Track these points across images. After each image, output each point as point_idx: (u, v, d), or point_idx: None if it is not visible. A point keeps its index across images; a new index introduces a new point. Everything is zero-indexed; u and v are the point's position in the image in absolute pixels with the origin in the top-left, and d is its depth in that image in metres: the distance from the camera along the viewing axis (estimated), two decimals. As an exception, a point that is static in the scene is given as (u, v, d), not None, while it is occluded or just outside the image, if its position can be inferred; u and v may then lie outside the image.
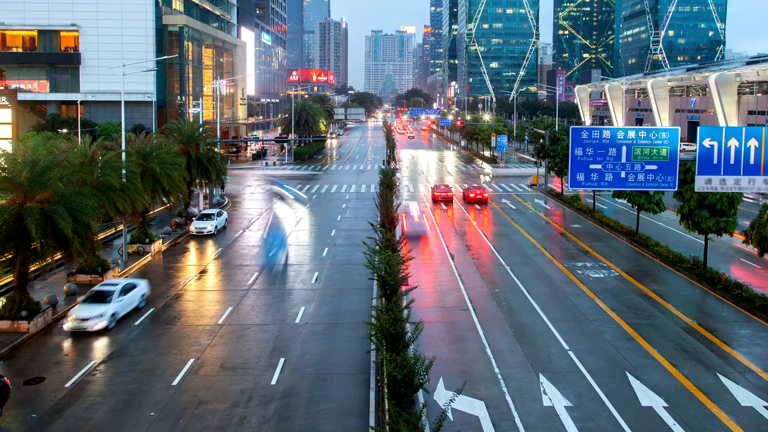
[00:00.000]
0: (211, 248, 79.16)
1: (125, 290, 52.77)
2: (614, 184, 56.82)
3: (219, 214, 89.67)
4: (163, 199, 77.41)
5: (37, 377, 41.72)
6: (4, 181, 48.73)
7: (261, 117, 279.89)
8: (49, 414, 37.01)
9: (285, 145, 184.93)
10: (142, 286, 55.52)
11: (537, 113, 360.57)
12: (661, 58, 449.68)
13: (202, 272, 67.48)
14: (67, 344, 47.76)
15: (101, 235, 71.83)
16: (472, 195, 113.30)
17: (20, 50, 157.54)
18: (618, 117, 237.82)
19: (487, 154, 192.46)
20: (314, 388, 40.58)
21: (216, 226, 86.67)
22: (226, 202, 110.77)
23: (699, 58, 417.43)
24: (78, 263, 57.43)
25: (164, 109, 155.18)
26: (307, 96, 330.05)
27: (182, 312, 54.72)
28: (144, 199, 66.43)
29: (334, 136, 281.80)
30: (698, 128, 55.36)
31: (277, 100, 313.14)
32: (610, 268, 69.39)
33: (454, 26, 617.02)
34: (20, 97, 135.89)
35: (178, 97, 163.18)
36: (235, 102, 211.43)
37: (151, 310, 54.79)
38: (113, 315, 49.98)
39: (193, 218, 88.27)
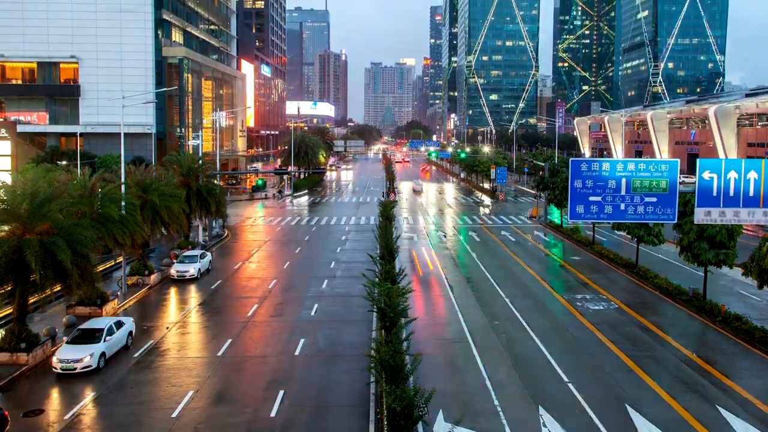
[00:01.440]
0: (209, 280, 79.02)
1: (112, 330, 51.77)
2: (614, 216, 56.84)
3: (203, 256, 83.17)
4: (163, 231, 77.30)
5: (36, 409, 41.66)
6: (4, 213, 48.81)
7: (261, 149, 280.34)
8: (47, 446, 36.93)
9: (285, 177, 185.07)
10: (128, 325, 54.67)
11: (536, 145, 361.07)
12: (660, 90, 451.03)
13: (201, 303, 67.36)
14: (66, 375, 47.64)
15: (100, 267, 71.74)
16: None
17: (20, 82, 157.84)
18: (617, 149, 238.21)
19: (486, 186, 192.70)
20: (314, 420, 40.50)
21: (199, 269, 79.46)
22: (225, 234, 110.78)
23: (698, 90, 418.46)
24: (77, 295, 57.37)
25: (164, 141, 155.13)
26: (306, 128, 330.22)
27: (181, 344, 54.64)
28: (143, 231, 66.42)
29: (333, 168, 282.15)
30: (698, 160, 55.44)
31: (277, 132, 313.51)
32: (610, 300, 69.34)
33: (453, 58, 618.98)
34: (20, 129, 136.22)
35: (178, 129, 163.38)
36: (234, 134, 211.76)
37: (150, 342, 54.69)
38: (102, 355, 49.23)
39: (174, 260, 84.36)
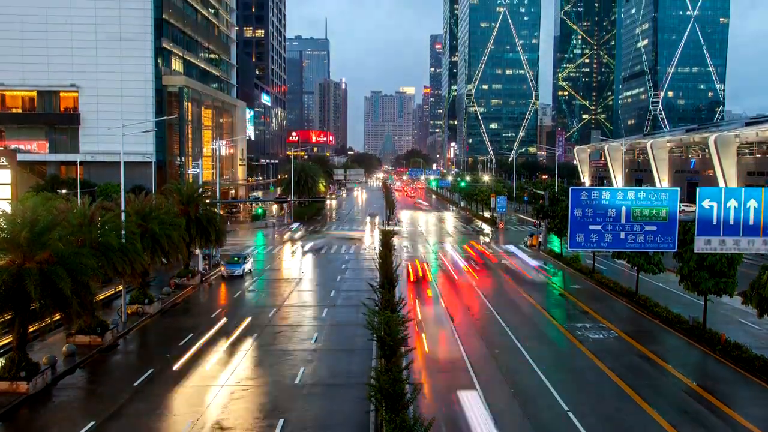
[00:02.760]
0: (212, 308, 78.95)
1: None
2: (614, 245, 56.92)
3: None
4: (163, 260, 77.22)
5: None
6: (4, 241, 48.79)
7: (261, 177, 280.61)
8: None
9: (285, 205, 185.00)
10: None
11: (536, 174, 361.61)
12: (660, 119, 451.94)
13: (201, 333, 67.21)
14: (65, 404, 47.58)
15: (100, 296, 71.67)
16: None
17: (20, 111, 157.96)
18: (617, 178, 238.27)
19: (486, 214, 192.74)
20: (314, 449, 40.40)
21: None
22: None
23: (698, 118, 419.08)
24: (77, 324, 57.28)
25: (164, 170, 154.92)
26: (306, 156, 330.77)
27: (181, 372, 54.50)
28: (143, 260, 66.27)
29: (333, 196, 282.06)
30: (698, 189, 55.57)
31: (277, 161, 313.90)
32: (610, 329, 69.26)
33: (453, 87, 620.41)
34: (19, 157, 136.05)
35: (178, 158, 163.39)
36: (234, 162, 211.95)
37: (150, 371, 54.56)
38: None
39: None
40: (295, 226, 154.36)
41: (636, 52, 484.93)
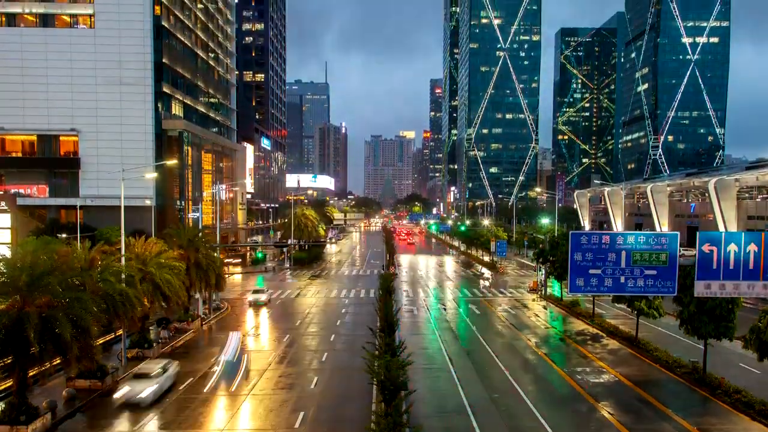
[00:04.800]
0: (211, 353, 78.76)
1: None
2: (614, 289, 56.98)
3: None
4: (163, 304, 77.10)
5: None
6: (3, 285, 48.80)
7: (260, 221, 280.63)
8: None
9: (284, 250, 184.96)
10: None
11: (536, 218, 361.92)
12: (660, 163, 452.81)
13: (201, 377, 67.01)
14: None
15: (100, 340, 71.34)
16: None
17: (20, 155, 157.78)
18: (617, 222, 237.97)
19: (486, 258, 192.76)
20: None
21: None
22: (225, 307, 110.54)
23: (698, 163, 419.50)
24: (77, 368, 57.10)
25: (164, 213, 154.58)
26: (306, 201, 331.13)
27: (182, 419, 54.28)
28: (143, 305, 66.25)
29: (333, 240, 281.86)
30: (698, 233, 55.69)
31: (277, 205, 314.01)
32: (610, 372, 69.11)
33: (453, 131, 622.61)
34: (19, 201, 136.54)
35: (178, 202, 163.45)
36: (234, 206, 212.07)
37: (150, 415, 54.37)
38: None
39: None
40: (294, 268, 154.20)
41: (636, 96, 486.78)
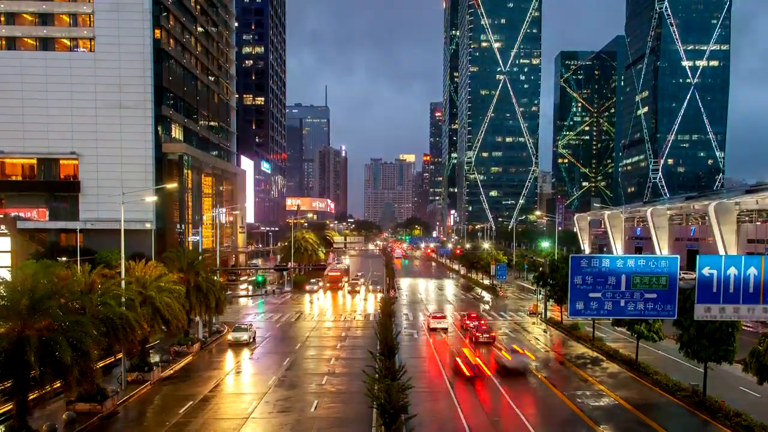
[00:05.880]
0: (211, 376, 78.70)
1: None
2: (614, 312, 57.00)
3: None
4: (163, 327, 77.04)
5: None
6: (3, 309, 48.82)
7: (260, 245, 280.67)
8: None
9: (284, 273, 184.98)
10: None
11: (536, 241, 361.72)
12: (660, 187, 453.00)
13: (202, 400, 66.96)
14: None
15: (100, 363, 71.33)
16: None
17: (20, 178, 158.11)
18: (617, 245, 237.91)
19: (486, 282, 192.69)
20: None
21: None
22: (225, 330, 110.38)
23: (698, 186, 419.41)
24: (77, 391, 57.04)
25: (164, 237, 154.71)
26: (306, 224, 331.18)
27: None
28: (143, 328, 66.21)
29: (333, 263, 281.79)
30: (698, 256, 55.70)
31: (276, 228, 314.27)
32: (610, 396, 69.05)
33: (453, 154, 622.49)
34: (19, 225, 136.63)
35: (178, 225, 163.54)
36: (234, 230, 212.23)
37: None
38: None
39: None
40: (293, 291, 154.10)
41: (636, 119, 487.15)
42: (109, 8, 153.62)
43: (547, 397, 69.72)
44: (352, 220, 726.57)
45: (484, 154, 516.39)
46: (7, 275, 58.84)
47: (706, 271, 54.71)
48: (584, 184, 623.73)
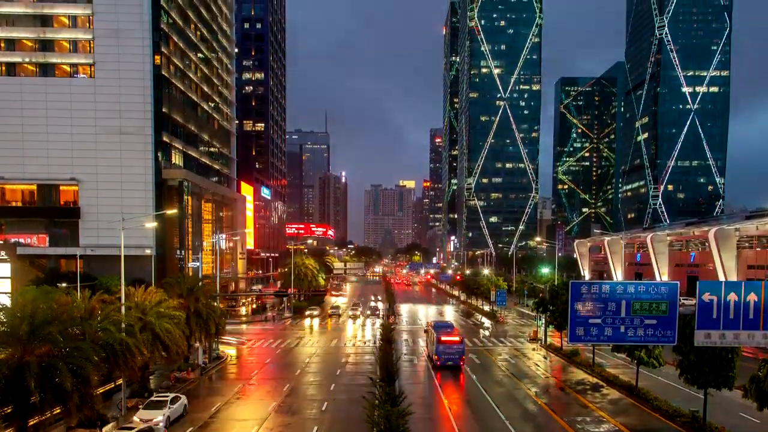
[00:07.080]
0: (211, 402, 78.59)
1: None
2: (614, 338, 56.99)
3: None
4: (163, 353, 76.98)
5: None
6: (4, 335, 48.83)
7: (261, 271, 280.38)
8: None
9: (284, 299, 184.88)
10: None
11: (536, 267, 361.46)
12: (660, 212, 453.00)
13: (203, 426, 66.86)
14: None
15: (100, 389, 71.32)
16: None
17: (19, 204, 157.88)
18: (617, 271, 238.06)
19: (486, 308, 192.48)
20: None
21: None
22: (225, 357, 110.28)
23: (698, 212, 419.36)
24: (77, 417, 56.97)
25: (164, 263, 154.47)
26: (306, 250, 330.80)
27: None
28: (143, 354, 66.17)
29: (333, 289, 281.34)
30: (698, 282, 55.78)
31: (277, 254, 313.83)
32: (610, 422, 68.96)
33: (453, 180, 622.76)
34: (19, 251, 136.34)
35: (178, 251, 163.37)
36: (234, 256, 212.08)
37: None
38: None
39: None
40: (294, 317, 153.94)
41: (636, 145, 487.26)
42: (109, 34, 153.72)
43: (547, 422, 69.64)
44: (352, 246, 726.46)
45: (484, 180, 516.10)
46: (7, 301, 58.95)
47: (706, 296, 54.77)
48: (584, 210, 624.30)
